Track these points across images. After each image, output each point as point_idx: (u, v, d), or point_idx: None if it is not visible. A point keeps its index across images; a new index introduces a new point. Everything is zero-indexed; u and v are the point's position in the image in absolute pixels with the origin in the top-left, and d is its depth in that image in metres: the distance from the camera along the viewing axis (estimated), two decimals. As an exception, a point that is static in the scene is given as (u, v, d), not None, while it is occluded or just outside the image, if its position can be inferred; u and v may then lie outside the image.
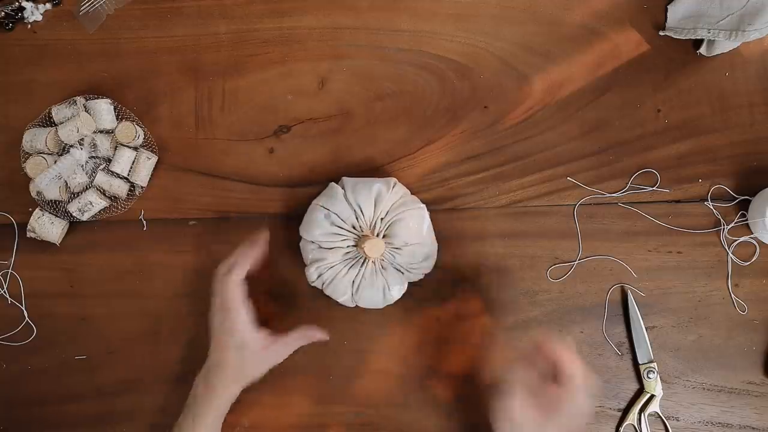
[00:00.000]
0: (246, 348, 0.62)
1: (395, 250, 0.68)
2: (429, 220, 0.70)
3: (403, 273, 0.70)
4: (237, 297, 0.62)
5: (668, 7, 0.75)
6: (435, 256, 0.71)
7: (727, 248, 0.73)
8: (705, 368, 0.73)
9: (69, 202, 0.72)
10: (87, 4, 0.76)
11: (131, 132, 0.72)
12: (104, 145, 0.72)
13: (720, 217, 0.73)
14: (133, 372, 0.74)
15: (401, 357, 0.73)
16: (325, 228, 0.68)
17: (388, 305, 0.71)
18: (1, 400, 0.74)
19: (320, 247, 0.68)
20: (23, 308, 0.74)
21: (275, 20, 0.76)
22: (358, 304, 0.71)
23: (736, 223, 0.73)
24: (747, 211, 0.73)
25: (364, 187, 0.68)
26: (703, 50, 0.74)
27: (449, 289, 0.74)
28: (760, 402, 0.72)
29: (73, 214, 0.71)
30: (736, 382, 0.72)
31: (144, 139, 0.74)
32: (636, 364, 0.72)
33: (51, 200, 0.72)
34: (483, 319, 0.73)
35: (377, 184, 0.68)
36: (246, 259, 0.64)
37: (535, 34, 0.76)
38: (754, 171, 0.74)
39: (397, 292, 0.70)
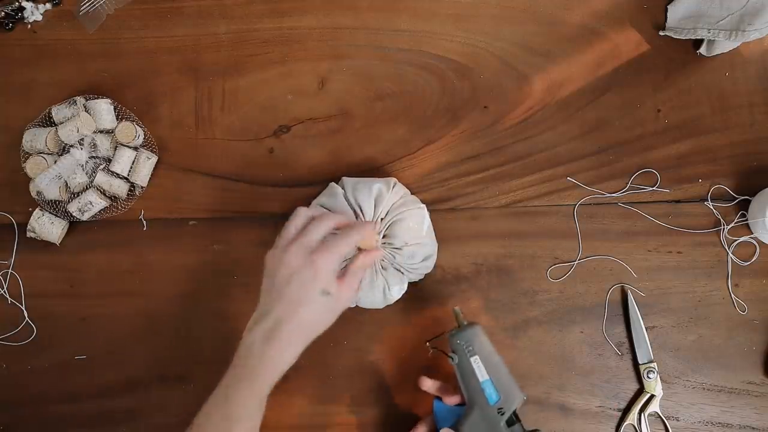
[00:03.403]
0: (328, 294, 0.57)
1: (395, 250, 0.68)
2: (429, 220, 0.70)
3: (403, 273, 0.70)
4: (332, 272, 0.58)
5: (668, 7, 0.75)
6: (435, 256, 0.71)
7: (727, 248, 0.73)
8: (705, 368, 0.72)
9: (69, 202, 0.72)
10: (87, 4, 0.76)
11: (131, 132, 0.72)
12: (104, 145, 0.72)
13: (720, 217, 0.73)
14: (133, 372, 0.74)
15: (401, 357, 0.73)
16: (325, 228, 0.67)
17: (388, 305, 0.71)
18: (2, 400, 0.74)
19: (320, 247, 0.68)
20: (23, 308, 0.74)
21: (275, 20, 0.76)
22: (358, 304, 0.71)
23: (736, 223, 0.73)
24: (747, 211, 0.73)
25: (364, 187, 0.68)
26: (703, 50, 0.74)
27: (449, 289, 0.74)
28: (760, 402, 0.72)
29: (73, 214, 0.71)
30: (736, 382, 0.72)
31: (144, 139, 0.74)
32: (636, 364, 0.72)
33: (51, 200, 0.72)
34: (483, 319, 0.73)
35: (377, 184, 0.68)
36: (349, 245, 0.59)
37: (535, 34, 0.76)
38: (754, 171, 0.74)
39: (397, 292, 0.70)
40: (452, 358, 0.63)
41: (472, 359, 0.62)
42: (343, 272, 0.61)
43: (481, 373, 0.62)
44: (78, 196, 0.72)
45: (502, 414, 0.61)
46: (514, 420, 0.62)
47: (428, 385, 0.66)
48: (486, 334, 0.64)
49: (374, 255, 0.63)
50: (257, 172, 0.75)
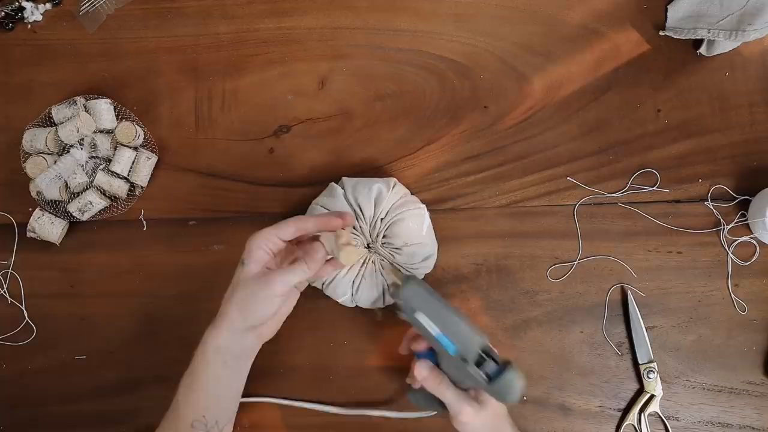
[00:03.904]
0: (250, 280, 0.59)
1: (395, 250, 0.68)
2: (429, 220, 0.70)
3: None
4: (257, 246, 0.59)
5: (668, 7, 0.75)
6: (435, 256, 0.71)
7: (727, 248, 0.73)
8: (705, 368, 0.73)
9: (69, 202, 0.72)
10: (87, 4, 0.76)
11: (131, 132, 0.72)
12: (104, 145, 0.72)
13: (720, 217, 0.73)
14: (133, 372, 0.74)
15: (401, 357, 0.73)
16: (325, 228, 0.67)
17: (388, 305, 0.71)
18: (1, 400, 0.74)
19: (320, 247, 0.68)
20: (23, 308, 0.74)
21: (275, 20, 0.76)
22: (358, 304, 0.71)
23: (736, 223, 0.73)
24: (747, 211, 0.73)
25: (364, 187, 0.68)
26: (703, 50, 0.74)
27: (449, 289, 0.74)
28: (760, 402, 0.72)
29: (73, 214, 0.71)
30: (736, 382, 0.72)
31: (144, 139, 0.74)
32: (636, 364, 0.72)
33: (51, 200, 0.72)
34: (483, 319, 0.73)
35: (377, 184, 0.68)
36: (288, 226, 0.60)
37: (535, 34, 0.76)
38: (754, 171, 0.74)
39: (397, 292, 0.70)
40: (400, 315, 0.61)
41: (417, 316, 0.59)
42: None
43: (432, 328, 0.59)
44: (78, 196, 0.72)
45: (465, 362, 0.59)
46: (483, 358, 0.59)
47: (404, 345, 0.67)
48: (423, 284, 0.61)
49: (318, 256, 0.60)
50: (257, 172, 0.75)
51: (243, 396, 0.72)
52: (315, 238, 0.63)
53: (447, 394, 0.61)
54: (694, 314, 0.73)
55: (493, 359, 0.59)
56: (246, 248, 0.60)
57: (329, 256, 0.62)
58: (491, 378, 0.58)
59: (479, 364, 0.59)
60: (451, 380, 0.62)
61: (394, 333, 0.73)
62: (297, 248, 0.64)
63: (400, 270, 0.61)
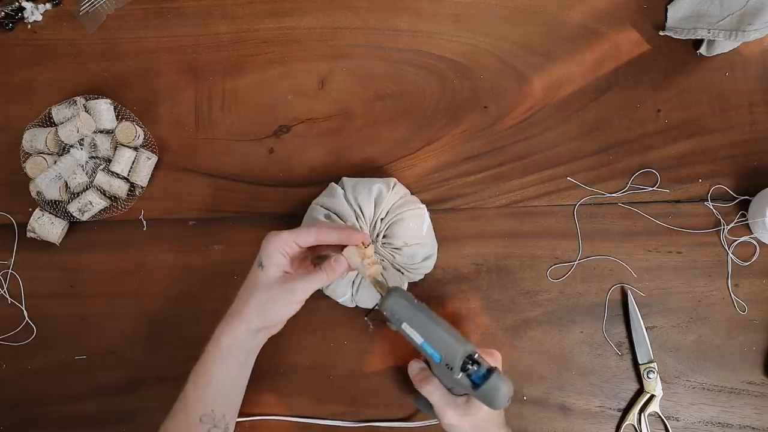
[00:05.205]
0: (271, 284, 0.60)
1: (395, 250, 0.68)
2: (429, 220, 0.70)
3: (403, 273, 0.70)
4: (275, 249, 0.60)
5: (668, 7, 0.75)
6: (435, 256, 0.71)
7: (727, 248, 0.73)
8: (705, 368, 0.72)
9: (69, 202, 0.72)
10: (87, 4, 0.76)
11: (131, 132, 0.72)
12: (104, 145, 0.72)
13: (720, 217, 0.73)
14: (133, 372, 0.74)
15: (401, 357, 0.73)
16: (325, 228, 0.67)
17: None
18: (1, 400, 0.74)
19: (320, 247, 0.68)
20: (23, 308, 0.74)
21: (275, 20, 0.76)
22: (358, 304, 0.71)
23: (736, 223, 0.73)
24: (747, 211, 0.73)
25: (364, 187, 0.68)
26: (703, 50, 0.74)
27: (449, 289, 0.74)
28: (760, 402, 0.72)
29: (73, 214, 0.71)
30: (736, 382, 0.72)
31: (144, 139, 0.74)
32: (636, 364, 0.72)
33: (51, 200, 0.72)
34: (483, 319, 0.73)
35: (377, 184, 0.68)
36: (310, 234, 0.61)
37: (535, 34, 0.76)
38: (754, 171, 0.74)
39: (397, 292, 0.70)
40: (390, 326, 0.62)
41: (402, 326, 0.61)
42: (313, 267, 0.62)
43: (417, 337, 0.60)
44: (78, 196, 0.72)
45: (451, 369, 0.60)
46: (469, 365, 0.60)
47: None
48: (407, 295, 0.61)
49: (340, 269, 0.61)
50: (257, 172, 0.75)
51: (246, 415, 0.72)
52: (329, 248, 0.64)
53: (434, 396, 0.63)
54: (694, 314, 0.73)
55: (480, 366, 0.60)
56: (263, 249, 0.60)
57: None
58: (477, 384, 0.59)
59: (466, 370, 0.60)
60: (445, 386, 0.63)
61: (394, 334, 0.73)
62: (309, 252, 0.64)
63: (384, 282, 0.62)
